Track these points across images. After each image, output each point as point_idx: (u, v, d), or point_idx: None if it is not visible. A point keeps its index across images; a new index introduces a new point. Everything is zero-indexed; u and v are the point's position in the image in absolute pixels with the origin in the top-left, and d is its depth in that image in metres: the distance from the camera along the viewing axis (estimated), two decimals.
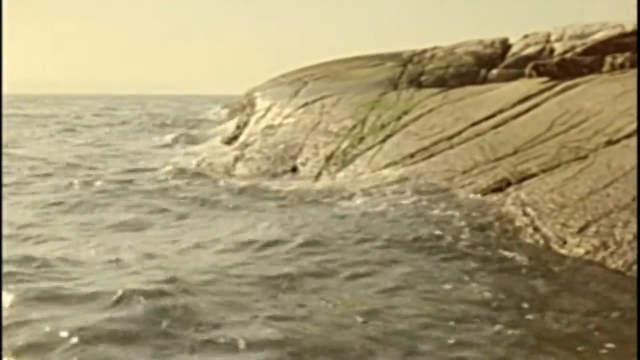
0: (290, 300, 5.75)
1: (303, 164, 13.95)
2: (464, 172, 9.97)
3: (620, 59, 13.35)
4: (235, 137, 18.80)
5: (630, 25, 15.37)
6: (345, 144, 13.84)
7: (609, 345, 4.76)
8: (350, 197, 10.30)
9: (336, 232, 8.09)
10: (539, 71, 13.79)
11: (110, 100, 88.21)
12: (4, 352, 4.63)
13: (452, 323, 5.16)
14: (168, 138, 22.68)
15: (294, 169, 13.85)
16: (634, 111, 9.82)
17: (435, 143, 11.72)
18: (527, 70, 14.43)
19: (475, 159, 10.32)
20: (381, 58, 21.17)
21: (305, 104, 17.44)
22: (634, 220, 7.00)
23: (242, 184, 12.16)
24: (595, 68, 13.51)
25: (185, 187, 11.81)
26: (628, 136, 9.13)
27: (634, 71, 12.33)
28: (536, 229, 7.64)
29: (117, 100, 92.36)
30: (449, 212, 8.75)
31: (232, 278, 6.34)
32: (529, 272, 6.46)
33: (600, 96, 11.12)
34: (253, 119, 18.94)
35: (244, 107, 21.48)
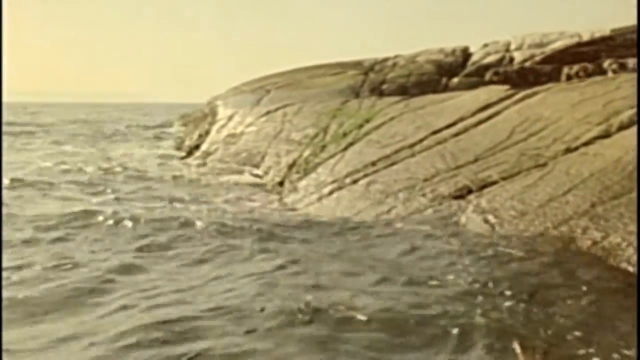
0: None
1: (266, 173, 13.94)
2: (426, 180, 10.02)
3: (575, 68, 13.55)
4: (197, 146, 18.76)
5: (587, 34, 15.59)
6: (307, 152, 13.85)
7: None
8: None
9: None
10: (500, 77, 13.94)
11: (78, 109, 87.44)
12: None
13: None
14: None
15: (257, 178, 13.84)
16: (592, 119, 9.96)
17: (397, 151, 11.76)
18: (487, 76, 14.57)
19: (437, 166, 10.38)
20: (343, 66, 21.24)
21: (268, 113, 17.43)
22: (593, 226, 7.09)
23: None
24: (553, 77, 13.69)
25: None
26: (586, 144, 9.25)
27: (592, 80, 12.51)
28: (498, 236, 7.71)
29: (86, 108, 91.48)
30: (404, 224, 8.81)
31: None
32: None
33: (559, 104, 11.26)
34: (215, 127, 18.91)
35: (205, 115, 21.42)
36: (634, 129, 9.19)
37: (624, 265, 6.34)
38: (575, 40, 15.57)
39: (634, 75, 12.00)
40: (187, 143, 20.50)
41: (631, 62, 13.52)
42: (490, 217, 8.19)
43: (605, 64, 13.47)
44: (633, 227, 6.80)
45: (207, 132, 19.14)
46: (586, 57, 14.15)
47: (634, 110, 9.75)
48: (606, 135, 9.32)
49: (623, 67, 13.26)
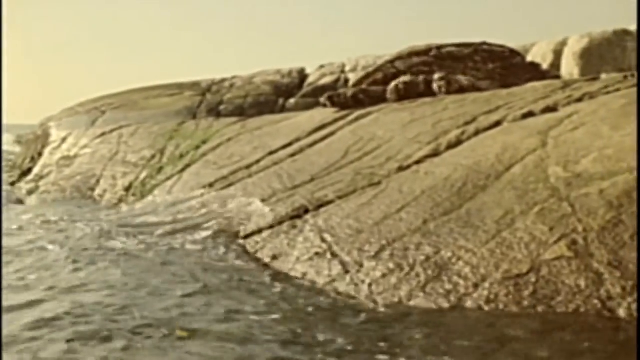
0: None
1: (101, 196, 13.57)
2: (263, 201, 10.03)
3: (400, 84, 14.03)
4: (29, 170, 18.00)
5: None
6: (144, 175, 13.62)
7: None
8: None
9: None
10: (333, 102, 14.16)
11: None
12: None
13: None
14: None
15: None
16: (422, 138, 10.30)
17: (234, 172, 11.74)
18: (322, 100, 14.76)
19: (274, 187, 10.41)
20: (180, 87, 21.03)
21: (103, 134, 17.01)
22: (425, 242, 7.30)
23: None
24: (384, 97, 14.07)
25: None
26: (417, 162, 9.53)
27: (421, 101, 12.96)
28: (334, 255, 7.78)
29: None
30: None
31: None
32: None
33: (391, 124, 11.58)
34: (48, 149, 18.23)
35: (38, 137, 20.58)
36: (461, 147, 9.59)
37: (455, 278, 6.55)
38: (405, 52, 15.99)
39: (461, 97, 12.53)
40: (18, 166, 19.64)
41: (463, 78, 14.06)
42: (327, 236, 8.28)
43: (435, 78, 13.94)
44: (463, 242, 7.05)
45: (40, 155, 18.41)
46: (417, 71, 14.65)
47: (461, 129, 10.18)
48: (435, 154, 9.64)
49: (450, 84, 13.74)
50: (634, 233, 6.12)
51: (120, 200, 13.00)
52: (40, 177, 16.29)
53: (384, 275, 7.04)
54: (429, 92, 13.64)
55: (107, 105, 20.12)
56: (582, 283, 5.85)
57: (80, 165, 15.54)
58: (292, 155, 11.73)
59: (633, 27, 17.05)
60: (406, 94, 13.74)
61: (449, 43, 15.77)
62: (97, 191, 13.86)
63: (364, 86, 14.98)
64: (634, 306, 5.47)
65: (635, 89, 9.96)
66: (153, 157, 14.40)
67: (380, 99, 13.98)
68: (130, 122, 17.50)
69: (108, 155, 15.46)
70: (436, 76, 13.93)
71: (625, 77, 11.41)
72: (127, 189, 13.35)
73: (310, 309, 6.28)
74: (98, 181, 14.27)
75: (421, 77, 14.11)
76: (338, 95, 14.28)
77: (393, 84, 14.13)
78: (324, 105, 14.45)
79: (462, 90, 13.28)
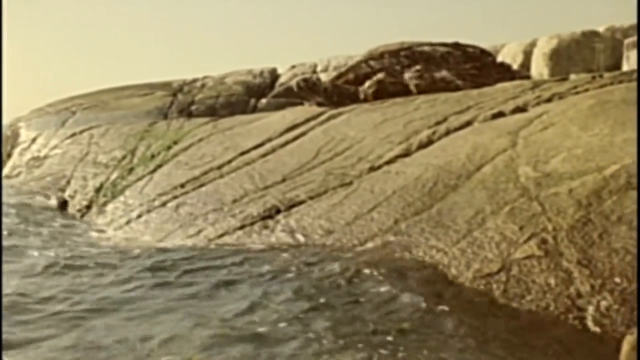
0: None
1: (71, 197, 13.46)
2: (235, 201, 10.01)
3: (372, 88, 14.04)
4: None
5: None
6: (114, 175, 13.51)
7: None
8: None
9: None
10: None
11: None
12: None
13: None
14: None
15: (63, 203, 13.33)
16: (393, 138, 10.33)
17: (206, 172, 11.69)
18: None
19: (245, 187, 10.39)
20: (151, 87, 20.89)
21: (73, 135, 16.85)
22: (397, 242, 7.32)
23: None
24: (356, 97, 14.08)
25: None
26: (388, 162, 9.56)
27: (392, 101, 12.99)
28: None
29: None
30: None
31: None
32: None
33: (363, 124, 11.59)
34: (17, 150, 18.06)
35: (7, 138, 20.35)
36: (432, 147, 9.63)
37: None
38: (377, 51, 16.01)
39: (432, 96, 12.57)
40: None
41: (438, 74, 14.09)
42: (299, 236, 8.29)
43: (407, 75, 13.95)
44: (434, 242, 7.09)
45: (9, 156, 18.23)
46: (389, 71, 14.67)
47: (432, 129, 10.22)
48: (406, 154, 9.67)
49: (426, 78, 13.76)
50: (603, 232, 6.18)
51: (91, 202, 12.90)
52: (10, 178, 16.13)
53: None
54: (403, 91, 13.65)
55: (77, 105, 19.93)
56: (552, 281, 5.89)
57: (50, 166, 15.40)
58: (264, 155, 11.70)
59: (601, 29, 17.26)
60: (380, 95, 13.76)
61: (421, 42, 15.80)
62: (68, 192, 13.73)
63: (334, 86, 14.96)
64: (603, 304, 5.52)
65: (604, 90, 10.08)
66: (124, 157, 14.30)
67: (352, 98, 13.98)
68: (101, 122, 17.35)
69: (78, 156, 15.32)
70: (412, 70, 13.96)
71: (594, 77, 11.53)
72: (98, 190, 13.23)
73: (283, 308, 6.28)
74: (68, 182, 14.13)
75: (392, 77, 14.14)
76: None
77: (366, 85, 14.14)
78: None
79: (442, 83, 13.31)
